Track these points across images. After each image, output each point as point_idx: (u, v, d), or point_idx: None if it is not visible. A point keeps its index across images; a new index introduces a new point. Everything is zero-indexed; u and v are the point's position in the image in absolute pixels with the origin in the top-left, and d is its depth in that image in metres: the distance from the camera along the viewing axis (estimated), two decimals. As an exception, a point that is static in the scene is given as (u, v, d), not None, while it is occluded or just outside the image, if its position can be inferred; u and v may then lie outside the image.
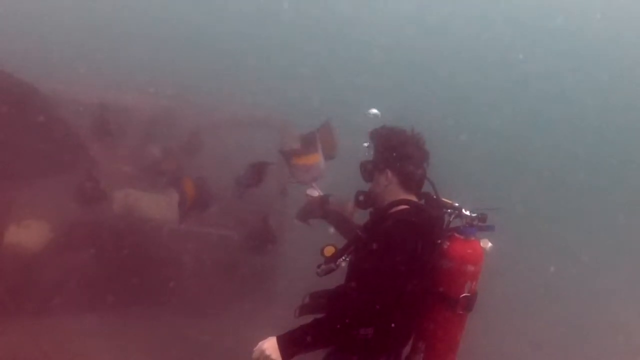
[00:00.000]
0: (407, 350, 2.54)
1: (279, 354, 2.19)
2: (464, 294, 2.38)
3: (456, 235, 2.45)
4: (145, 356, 4.47)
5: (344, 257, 2.49)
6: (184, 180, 4.86)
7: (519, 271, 7.70)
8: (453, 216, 2.52)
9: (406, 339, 2.50)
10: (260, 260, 5.40)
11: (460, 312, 2.40)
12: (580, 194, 13.50)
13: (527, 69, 18.39)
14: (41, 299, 4.55)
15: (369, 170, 2.61)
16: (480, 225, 2.46)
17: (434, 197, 2.56)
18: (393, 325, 2.35)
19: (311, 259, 2.61)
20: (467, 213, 2.48)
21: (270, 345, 2.21)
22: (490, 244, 2.48)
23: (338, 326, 2.23)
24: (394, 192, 2.52)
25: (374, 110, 3.06)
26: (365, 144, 2.66)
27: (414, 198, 2.53)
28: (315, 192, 3.14)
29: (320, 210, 3.04)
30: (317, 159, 3.12)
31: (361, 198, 2.67)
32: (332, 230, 3.00)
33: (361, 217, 2.83)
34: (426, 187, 2.60)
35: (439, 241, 2.45)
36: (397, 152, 2.51)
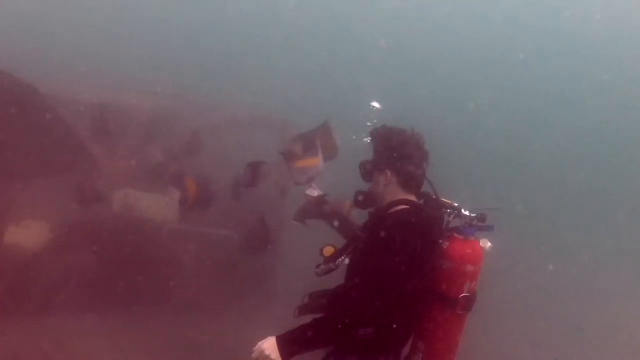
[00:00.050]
0: (406, 350, 2.55)
1: (279, 354, 2.19)
2: (463, 294, 2.39)
3: (456, 235, 2.45)
4: (145, 356, 4.47)
5: (343, 257, 2.49)
6: (185, 179, 4.87)
7: (519, 271, 7.70)
8: (452, 216, 2.53)
9: (406, 339, 2.50)
10: (260, 260, 5.40)
11: (460, 312, 2.40)
12: (580, 194, 13.49)
13: (527, 69, 18.40)
14: (41, 299, 4.55)
15: (368, 170, 2.61)
16: (480, 225, 2.46)
17: (434, 197, 2.56)
18: (393, 325, 2.35)
19: (311, 259, 2.61)
20: (467, 213, 2.48)
21: (269, 345, 2.21)
22: (489, 244, 2.49)
23: (338, 326, 2.23)
24: (393, 192, 2.53)
25: (376, 104, 3.06)
26: (367, 140, 2.65)
27: (413, 198, 2.54)
28: (315, 192, 3.15)
29: (318, 210, 3.04)
30: (316, 161, 3.13)
31: (361, 198, 2.67)
32: (336, 223, 2.98)
33: (359, 217, 2.83)
34: (426, 187, 2.60)
35: (439, 241, 2.45)
36: (397, 152, 2.51)
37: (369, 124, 2.75)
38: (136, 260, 4.81)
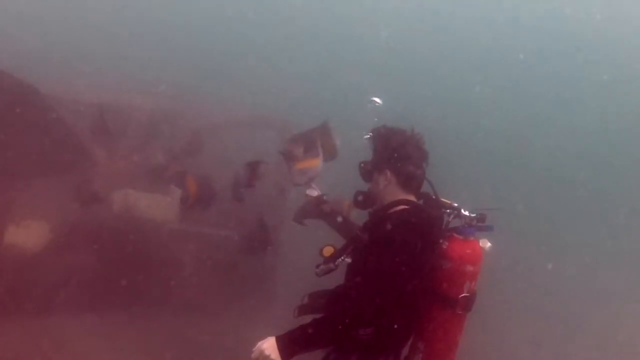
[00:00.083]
0: (406, 350, 2.55)
1: (278, 354, 2.19)
2: (463, 294, 2.39)
3: (455, 235, 2.46)
4: (145, 356, 4.47)
5: (342, 257, 2.50)
6: (186, 178, 4.87)
7: (519, 271, 7.70)
8: (452, 216, 2.53)
9: (405, 339, 2.50)
10: (260, 260, 5.40)
11: (460, 312, 2.41)
12: (580, 194, 13.48)
13: (527, 69, 18.39)
14: (41, 299, 4.55)
15: (368, 170, 2.61)
16: (479, 225, 2.47)
17: (433, 197, 2.56)
18: (392, 325, 2.36)
19: (311, 259, 2.61)
20: (466, 213, 2.48)
21: (269, 345, 2.21)
22: (489, 244, 2.49)
23: (337, 326, 2.23)
24: (393, 192, 2.53)
25: (377, 99, 3.05)
26: (367, 136, 2.65)
27: (413, 198, 2.54)
28: (315, 192, 3.15)
29: (317, 210, 3.04)
30: (317, 162, 3.13)
31: (360, 198, 2.67)
32: (339, 219, 2.97)
33: (359, 217, 2.83)
34: (425, 187, 2.60)
35: (439, 241, 2.45)
36: (397, 152, 2.51)
37: (376, 119, 2.74)
38: (136, 260, 4.81)
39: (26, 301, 4.43)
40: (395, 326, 2.37)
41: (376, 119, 2.74)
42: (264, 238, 4.97)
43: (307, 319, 2.31)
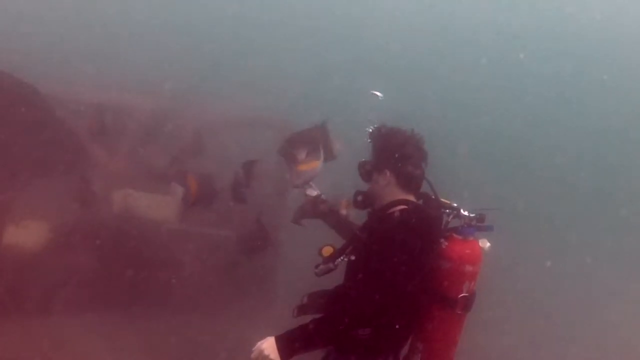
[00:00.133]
0: (405, 350, 2.55)
1: (278, 354, 2.19)
2: (462, 294, 2.39)
3: (454, 235, 2.46)
4: (145, 356, 4.47)
5: (342, 257, 2.50)
6: (187, 177, 4.87)
7: (518, 271, 7.70)
8: (451, 216, 2.53)
9: (405, 339, 2.50)
10: (260, 260, 5.40)
11: (459, 312, 2.41)
12: (580, 194, 13.49)
13: (527, 69, 18.37)
14: (41, 299, 4.56)
15: (367, 171, 2.61)
16: (479, 225, 2.47)
17: (433, 197, 2.56)
18: (392, 325, 2.36)
19: (311, 259, 2.61)
20: (466, 213, 2.48)
21: (269, 345, 2.21)
22: (488, 244, 2.49)
23: (337, 326, 2.23)
24: (392, 192, 2.53)
25: (377, 93, 3.04)
26: (368, 129, 2.64)
27: (412, 198, 2.54)
28: (314, 192, 3.14)
29: (315, 210, 3.04)
30: (317, 164, 3.13)
31: (360, 198, 2.67)
32: (343, 212, 2.96)
33: (358, 217, 2.83)
34: (425, 187, 2.60)
35: (438, 241, 2.45)
36: (397, 152, 2.51)
37: (374, 112, 2.73)
38: (136, 260, 4.81)
39: (26, 301, 4.43)
40: (395, 326, 2.37)
41: (374, 112, 2.73)
42: (263, 238, 4.96)
43: (307, 319, 2.31)
